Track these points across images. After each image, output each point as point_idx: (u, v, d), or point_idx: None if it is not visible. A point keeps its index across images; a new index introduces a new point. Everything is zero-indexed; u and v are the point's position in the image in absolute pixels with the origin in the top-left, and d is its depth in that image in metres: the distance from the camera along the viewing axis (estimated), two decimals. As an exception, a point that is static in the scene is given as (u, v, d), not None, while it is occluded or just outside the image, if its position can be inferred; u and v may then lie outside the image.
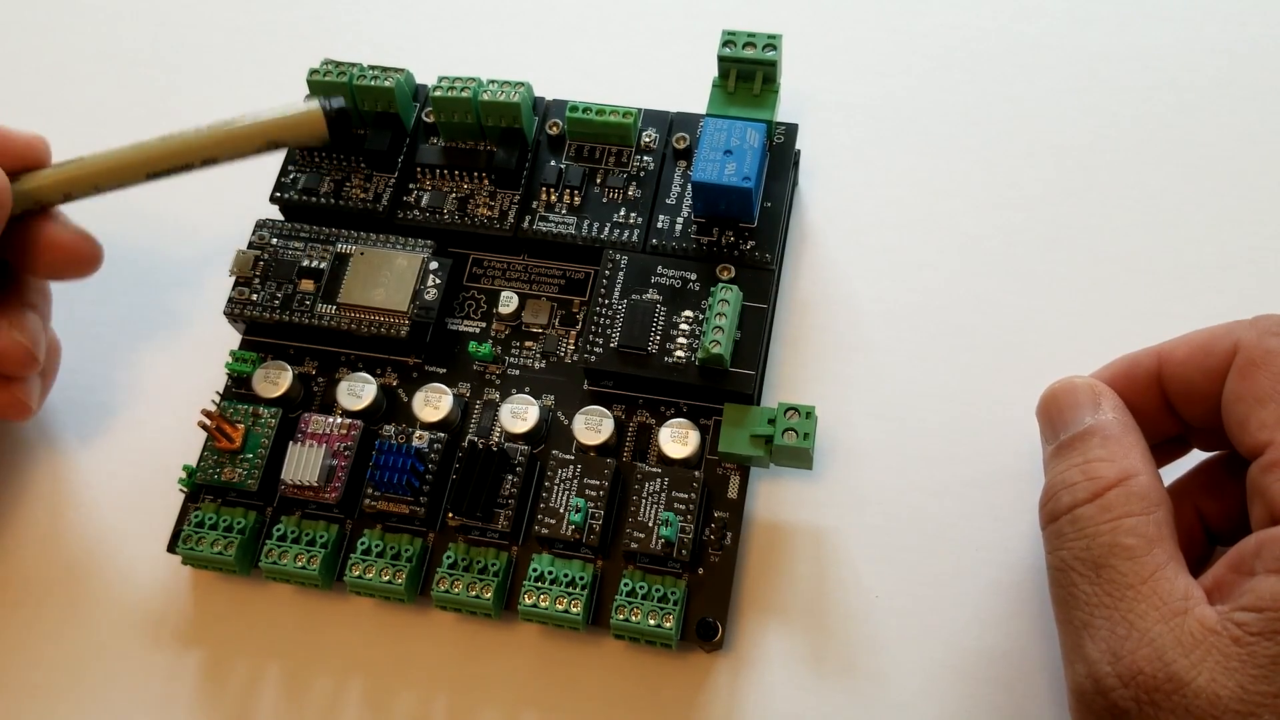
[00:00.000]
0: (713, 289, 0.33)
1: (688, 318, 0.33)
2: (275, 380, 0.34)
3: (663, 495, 0.31)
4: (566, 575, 0.31)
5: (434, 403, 0.34)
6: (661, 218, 0.35)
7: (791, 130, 0.36)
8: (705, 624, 0.31)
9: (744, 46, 0.35)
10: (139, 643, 0.34)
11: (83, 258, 0.35)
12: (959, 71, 0.40)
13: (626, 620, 0.30)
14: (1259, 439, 0.25)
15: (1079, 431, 0.28)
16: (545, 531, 0.31)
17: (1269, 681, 0.22)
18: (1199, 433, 0.29)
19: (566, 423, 0.34)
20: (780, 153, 0.35)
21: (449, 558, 0.32)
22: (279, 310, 0.35)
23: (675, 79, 0.40)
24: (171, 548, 0.34)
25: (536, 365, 0.35)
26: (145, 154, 0.34)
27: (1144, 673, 0.24)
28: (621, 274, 0.34)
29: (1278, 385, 0.25)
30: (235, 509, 0.33)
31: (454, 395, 0.34)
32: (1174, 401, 0.28)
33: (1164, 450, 0.31)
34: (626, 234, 0.35)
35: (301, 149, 0.37)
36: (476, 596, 0.31)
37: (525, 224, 0.35)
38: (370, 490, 0.32)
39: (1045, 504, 0.28)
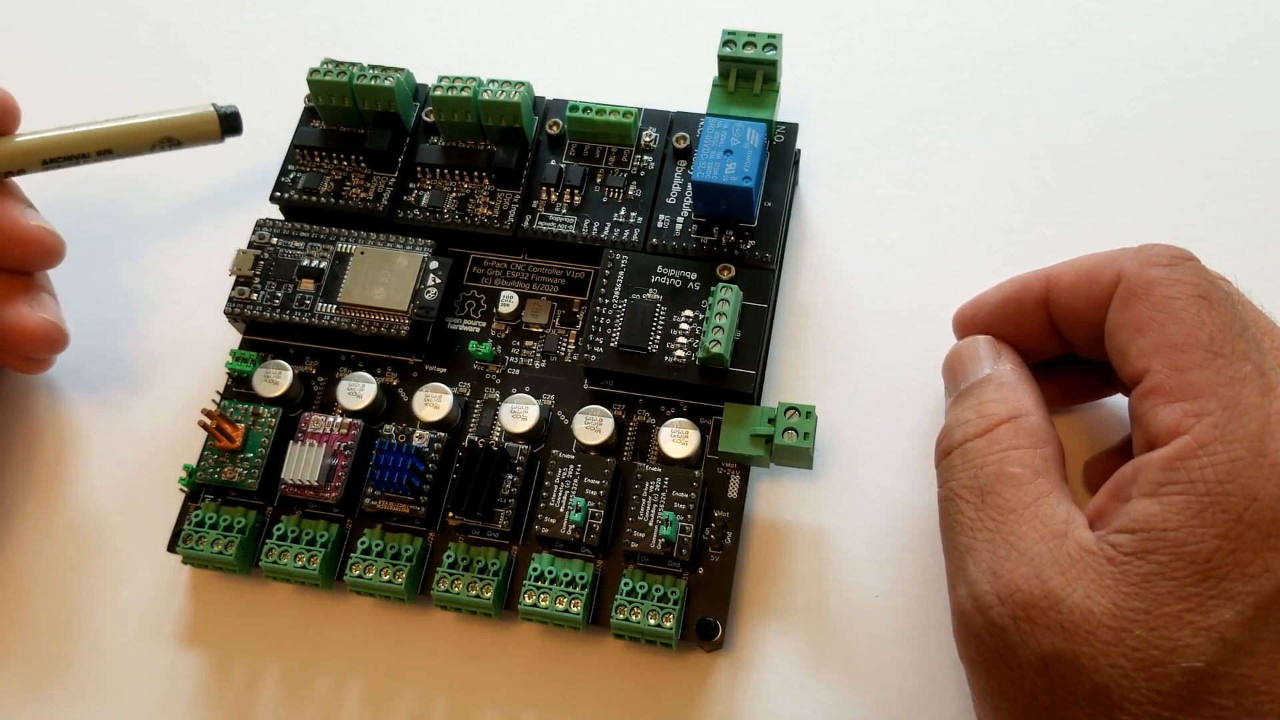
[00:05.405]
0: (713, 289, 0.33)
1: (688, 317, 0.33)
2: (275, 380, 0.34)
3: (663, 495, 0.31)
4: (566, 575, 0.31)
5: (434, 402, 0.34)
6: (661, 217, 0.35)
7: (791, 130, 0.36)
8: (705, 624, 0.31)
9: (744, 46, 0.35)
10: (139, 643, 0.34)
11: (45, 248, 0.35)
12: (959, 71, 0.40)
13: (626, 620, 0.30)
14: (1137, 367, 0.25)
15: (977, 380, 0.29)
16: (545, 531, 0.31)
17: (1139, 598, 0.23)
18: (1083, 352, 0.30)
19: (566, 422, 0.34)
20: (780, 152, 0.35)
21: (449, 557, 0.32)
22: (279, 310, 0.35)
23: (675, 79, 0.40)
24: (171, 547, 0.34)
25: (536, 365, 0.35)
26: (42, 142, 0.35)
27: (1021, 589, 0.24)
28: (621, 273, 0.34)
29: (1157, 314, 0.25)
30: (235, 508, 0.33)
31: (454, 395, 0.34)
32: (1059, 326, 0.29)
33: (1091, 389, 0.32)
34: (626, 233, 0.35)
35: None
36: (476, 596, 0.31)
37: (525, 223, 0.35)
38: (370, 490, 0.32)
39: (940, 443, 0.28)
